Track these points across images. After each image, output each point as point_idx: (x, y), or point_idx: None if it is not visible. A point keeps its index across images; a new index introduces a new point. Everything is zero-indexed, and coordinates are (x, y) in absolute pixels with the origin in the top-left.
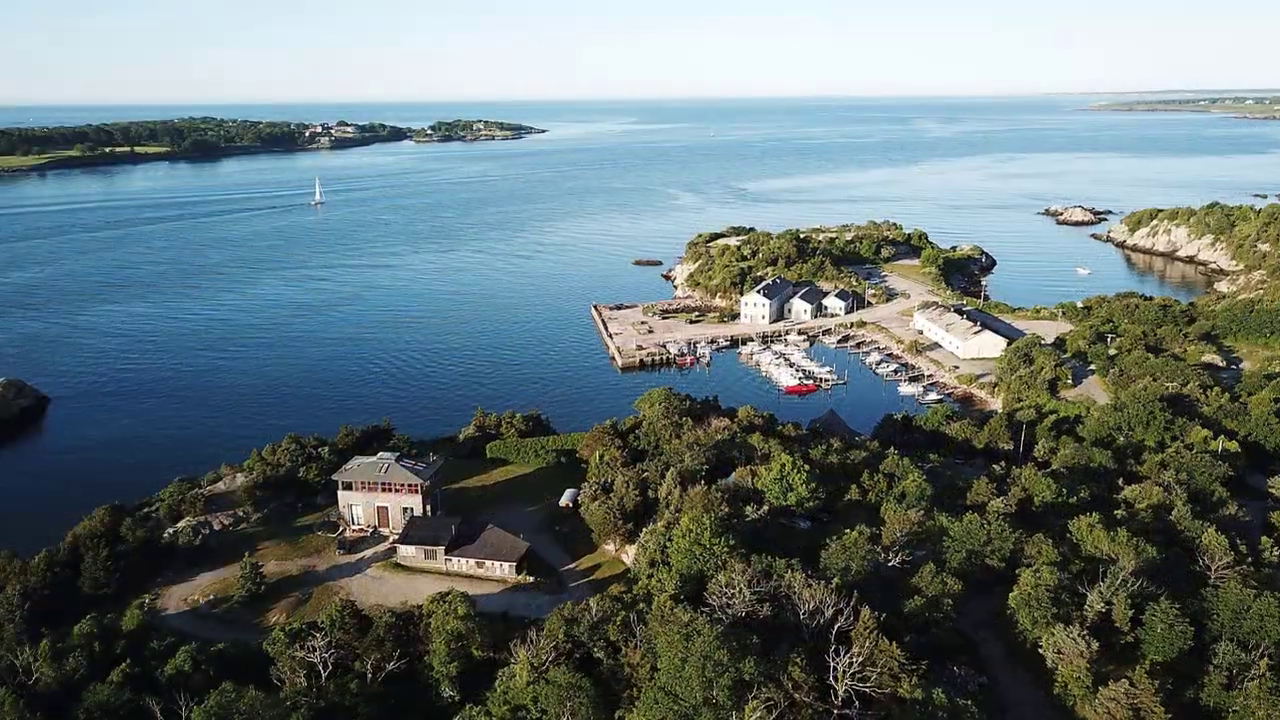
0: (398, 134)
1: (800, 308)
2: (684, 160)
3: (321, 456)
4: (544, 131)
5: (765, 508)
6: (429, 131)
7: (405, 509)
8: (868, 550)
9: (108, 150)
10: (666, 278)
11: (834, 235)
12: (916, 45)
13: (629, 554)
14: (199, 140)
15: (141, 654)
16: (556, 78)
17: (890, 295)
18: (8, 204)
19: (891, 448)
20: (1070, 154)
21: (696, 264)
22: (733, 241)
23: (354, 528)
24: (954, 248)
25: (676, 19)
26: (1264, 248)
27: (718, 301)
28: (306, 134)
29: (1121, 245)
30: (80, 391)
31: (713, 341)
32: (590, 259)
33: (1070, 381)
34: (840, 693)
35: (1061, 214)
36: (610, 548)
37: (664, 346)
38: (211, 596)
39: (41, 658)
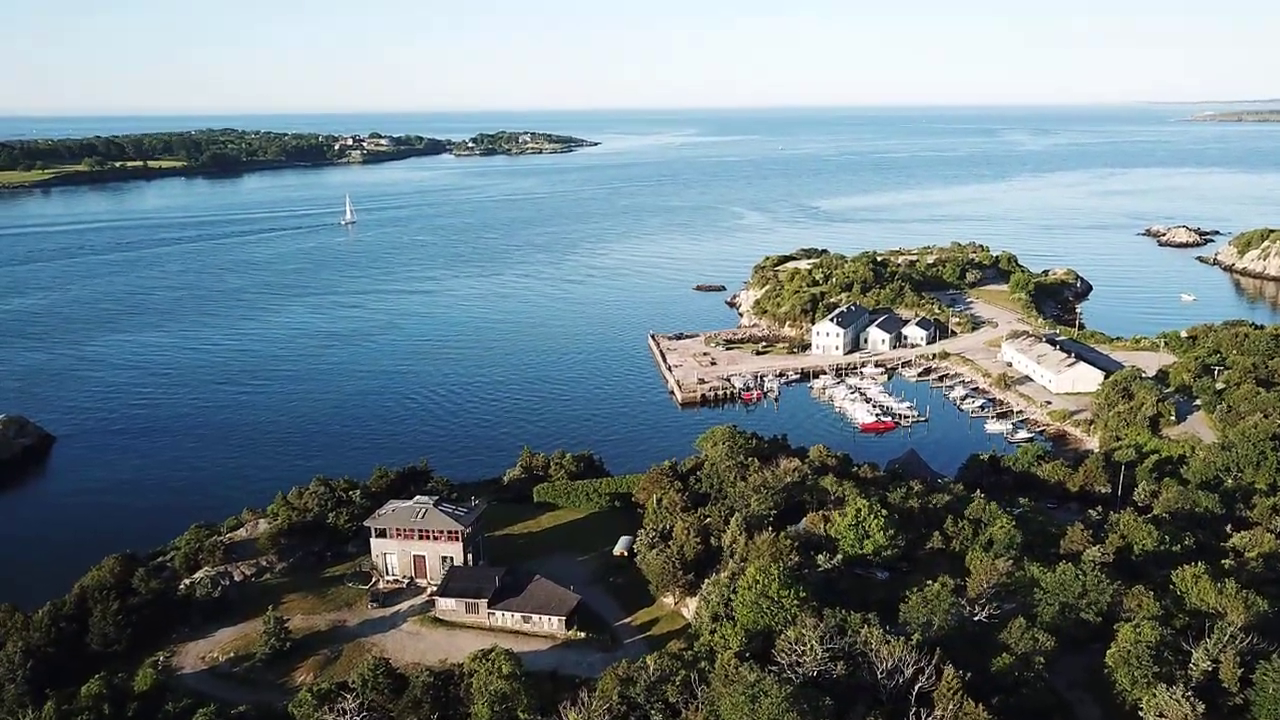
0: (436, 147)
1: (877, 337)
2: (750, 176)
3: (353, 501)
4: (596, 144)
5: (839, 557)
6: (470, 144)
7: (444, 558)
8: (951, 603)
9: (118, 165)
10: (731, 305)
11: (914, 258)
12: (1007, 51)
13: (690, 607)
14: (218, 154)
15: (155, 718)
16: (610, 86)
17: (976, 324)
18: (8, 224)
19: (977, 491)
20: (1174, 169)
21: (764, 290)
22: (803, 265)
23: (388, 579)
24: (1046, 272)
25: (743, 20)
26: None
27: (787, 331)
28: (336, 147)
29: (1230, 269)
30: (88, 429)
31: (781, 374)
32: (647, 284)
33: (1173, 418)
34: None
35: (1164, 235)
36: (669, 600)
37: (728, 380)
38: (232, 654)
39: None
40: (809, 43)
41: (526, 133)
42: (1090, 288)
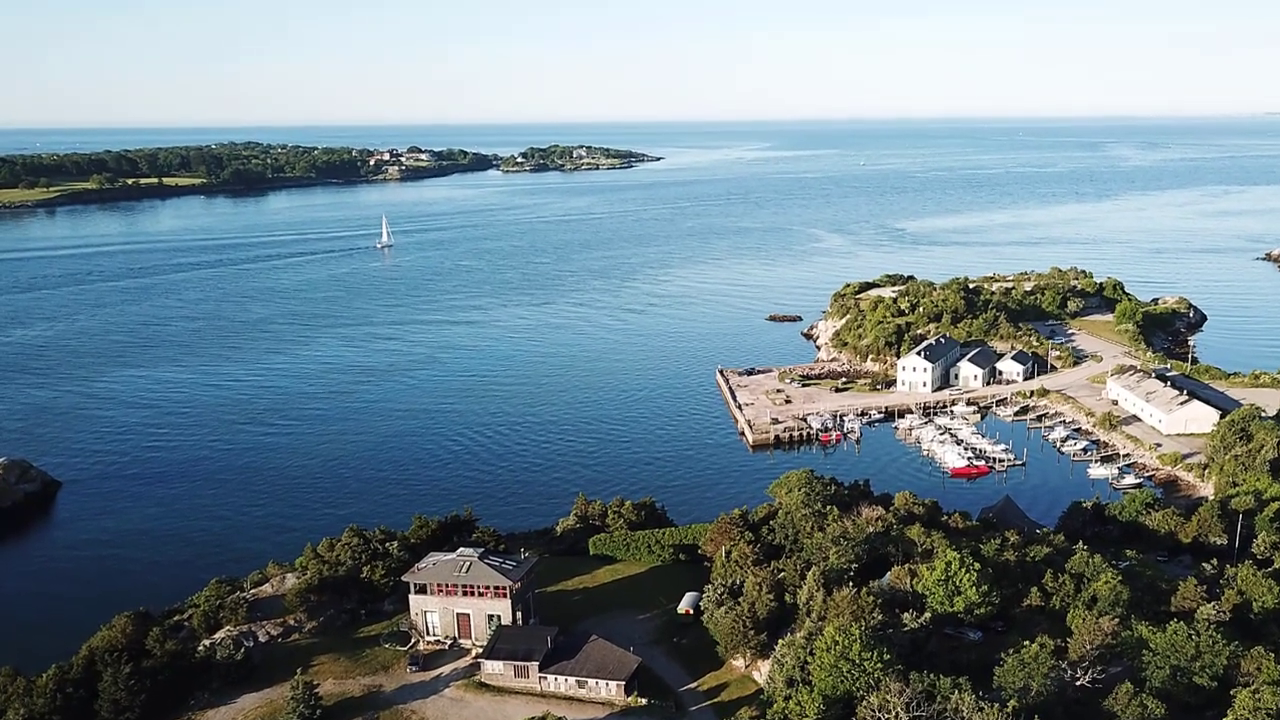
0: (482, 162)
1: (969, 373)
2: (828, 194)
3: (389, 553)
4: (658, 159)
5: (927, 615)
6: (519, 159)
7: (491, 616)
8: (1051, 666)
9: (130, 182)
10: (807, 336)
11: (1010, 285)
12: (1112, 55)
13: (762, 671)
14: (241, 170)
15: None
16: (674, 96)
17: (1078, 358)
18: (9, 247)
19: (1080, 542)
20: None
21: (844, 320)
22: (888, 293)
23: (429, 639)
24: (1155, 300)
25: (819, 21)
26: None
27: (869, 365)
28: (371, 162)
29: None
30: (97, 474)
31: (863, 413)
32: (715, 314)
33: None
34: None
35: None
36: (739, 663)
37: (804, 420)
38: None
39: None
40: (895, 50)
41: (582, 146)
42: (1205, 318)
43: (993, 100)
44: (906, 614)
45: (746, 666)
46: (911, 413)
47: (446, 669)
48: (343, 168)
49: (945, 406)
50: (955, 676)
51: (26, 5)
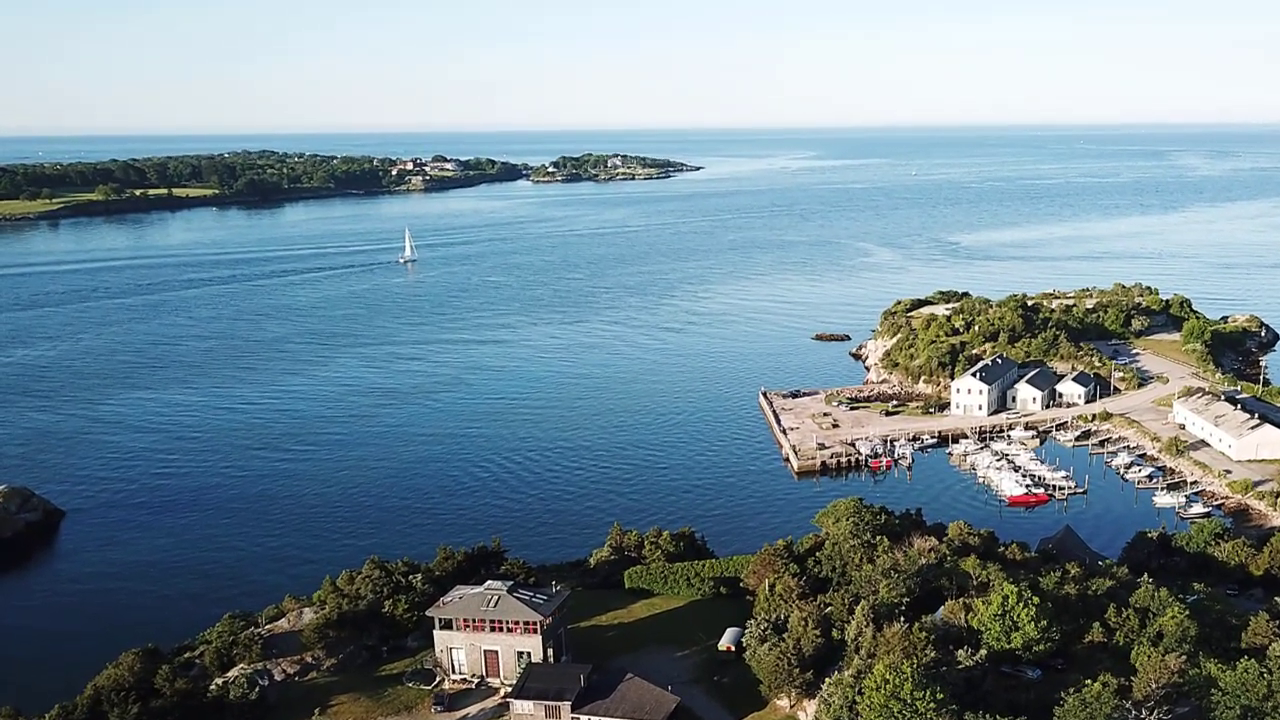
0: (511, 171)
1: (1027, 395)
2: (878, 205)
3: (413, 586)
4: (697, 169)
5: (983, 652)
6: (551, 169)
7: (521, 653)
8: (1114, 706)
9: (138, 193)
10: (855, 356)
11: (1070, 302)
12: (1175, 58)
13: (807, 711)
14: (255, 180)
15: None
16: (714, 102)
17: (1143, 379)
18: (10, 262)
19: (1145, 575)
20: None
21: (894, 339)
22: (941, 311)
23: (455, 677)
24: (1225, 318)
25: (868, 23)
26: None
27: (921, 387)
28: (393, 172)
29: None
30: (102, 503)
31: (915, 438)
32: (758, 333)
33: None
34: None
35: None
36: (784, 703)
37: (852, 445)
38: None
39: None
40: (949, 54)
41: (617, 155)
42: (1277, 337)
43: (1052, 106)
44: (961, 651)
45: (791, 707)
46: (966, 438)
47: (473, 709)
48: (363, 178)
49: (1002, 431)
50: (1013, 717)
51: (27, 4)
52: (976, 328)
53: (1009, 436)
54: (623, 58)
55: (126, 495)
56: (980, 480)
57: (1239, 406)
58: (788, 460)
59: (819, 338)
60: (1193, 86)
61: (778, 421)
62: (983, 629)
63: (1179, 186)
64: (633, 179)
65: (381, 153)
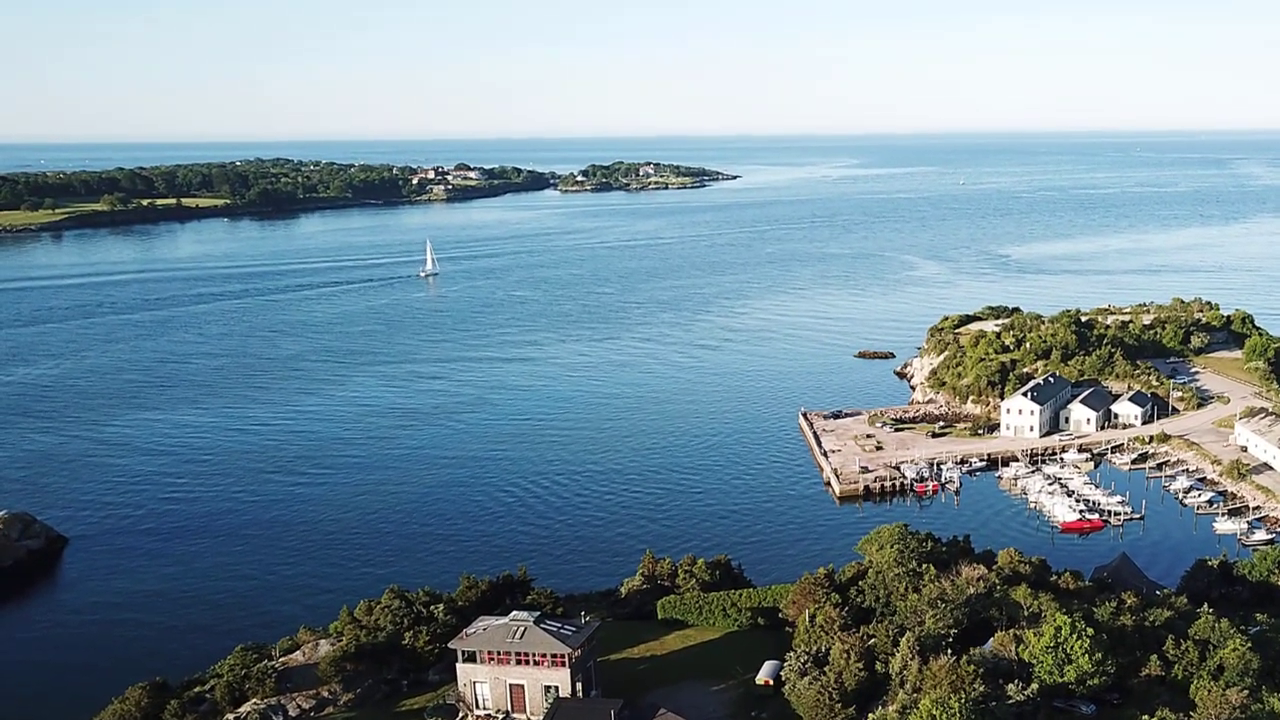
0: (537, 180)
1: (1081, 416)
2: (924, 216)
3: (434, 617)
4: (734, 177)
5: (1034, 686)
6: (580, 177)
7: (548, 688)
8: None
9: (145, 203)
10: (900, 375)
11: (1126, 318)
12: (1235, 62)
13: None
14: (269, 190)
15: None
16: (750, 106)
17: (1203, 399)
18: (11, 275)
19: (1205, 605)
20: None
21: (941, 357)
22: (990, 327)
23: (479, 713)
24: None
25: (914, 23)
26: None
27: (970, 407)
28: (414, 181)
29: None
30: (108, 529)
31: (963, 461)
32: (798, 350)
33: None
34: None
35: None
36: None
37: (897, 468)
38: None
39: None
40: (999, 56)
41: (649, 163)
42: None
43: (1106, 112)
44: (1011, 685)
45: None
46: (1017, 460)
47: None
48: (382, 187)
49: (1054, 453)
50: None
51: (28, 5)
52: (1028, 345)
53: (1062, 459)
54: (656, 61)
55: (133, 521)
56: (1031, 505)
57: None
58: (829, 484)
59: (862, 355)
60: (1257, 91)
61: (818, 443)
62: (1034, 662)
63: (1240, 196)
64: (666, 188)
65: (401, 161)
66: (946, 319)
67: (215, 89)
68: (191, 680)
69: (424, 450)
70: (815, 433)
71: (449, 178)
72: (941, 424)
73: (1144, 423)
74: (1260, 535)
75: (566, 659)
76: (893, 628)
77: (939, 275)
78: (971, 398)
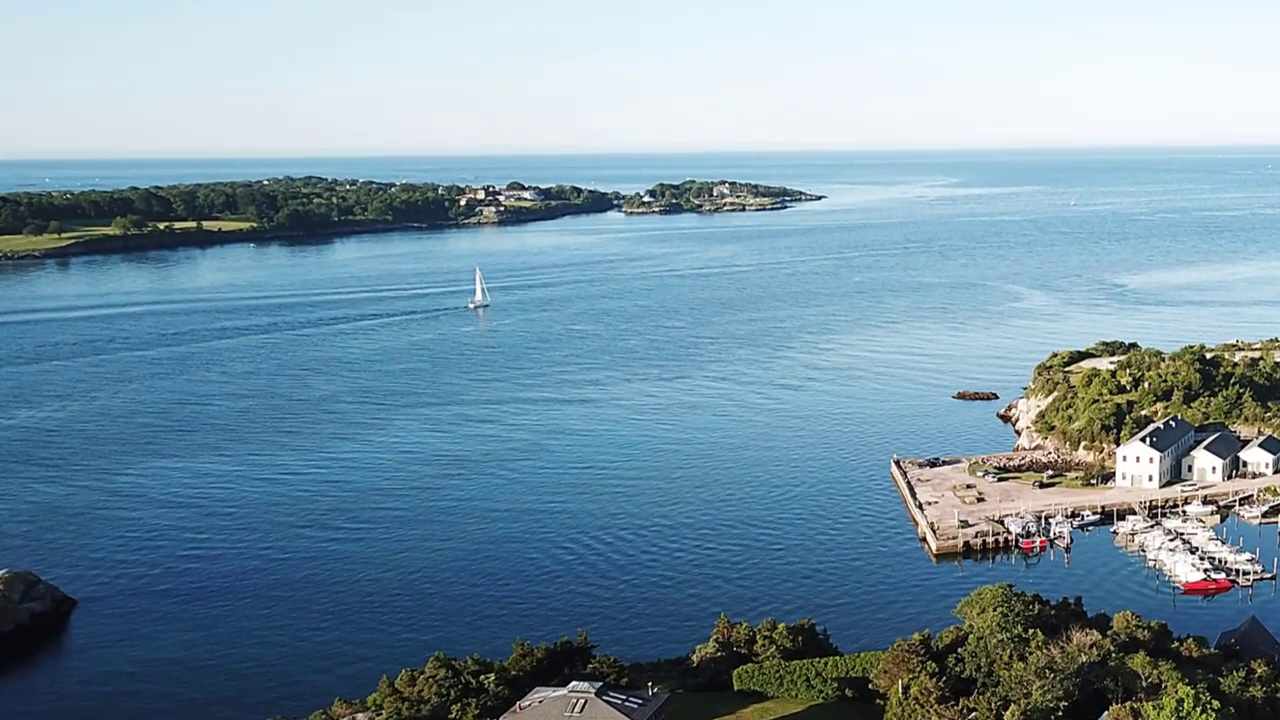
0: (599, 201)
1: (1206, 464)
2: (1030, 241)
3: (485, 688)
4: (819, 198)
5: None
6: (646, 198)
7: None
8: None
9: (162, 226)
10: (1004, 419)
11: (1257, 354)
12: None
13: None
14: (300, 211)
15: None
16: (837, 119)
17: None
18: (13, 307)
19: None
20: None
21: (1050, 398)
22: (1104, 364)
23: None
24: None
25: (1023, 27)
26: None
27: (1081, 454)
28: (462, 202)
29: None
30: (120, 590)
31: (1074, 514)
32: (890, 390)
33: None
34: None
35: None
36: None
37: (1000, 522)
38: None
39: None
40: (1116, 62)
41: (724, 182)
42: None
43: (1235, 126)
44: None
45: None
46: (1134, 513)
47: None
48: (427, 209)
49: (1176, 506)
50: None
51: (30, 6)
52: (1146, 385)
53: (1184, 512)
54: (731, 69)
55: (148, 581)
56: (1150, 564)
57: None
58: (924, 540)
59: (961, 396)
60: None
61: (913, 495)
62: None
63: None
64: (742, 210)
65: (448, 179)
66: (1055, 356)
67: (239, 99)
68: None
69: (473, 502)
70: (909, 482)
71: (501, 198)
72: (1050, 473)
73: (1275, 471)
74: None
75: None
76: (996, 700)
77: (1047, 307)
78: (1083, 444)
